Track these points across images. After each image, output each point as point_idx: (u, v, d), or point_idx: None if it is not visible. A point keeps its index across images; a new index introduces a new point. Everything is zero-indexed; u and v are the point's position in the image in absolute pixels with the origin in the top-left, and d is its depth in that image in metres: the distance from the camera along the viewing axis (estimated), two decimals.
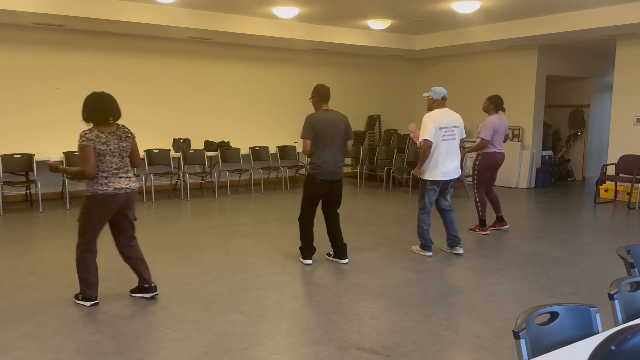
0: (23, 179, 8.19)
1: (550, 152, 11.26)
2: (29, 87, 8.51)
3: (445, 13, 8.63)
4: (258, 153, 10.35)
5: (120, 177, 4.00)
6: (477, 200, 6.60)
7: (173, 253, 5.64)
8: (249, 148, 10.26)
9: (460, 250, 5.66)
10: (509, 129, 8.27)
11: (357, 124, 12.13)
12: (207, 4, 8.09)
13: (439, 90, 5.49)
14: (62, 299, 4.23)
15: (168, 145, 9.58)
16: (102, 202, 3.94)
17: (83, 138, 3.85)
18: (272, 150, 10.55)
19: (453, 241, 5.66)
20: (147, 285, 4.27)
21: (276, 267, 5.16)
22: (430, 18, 9.12)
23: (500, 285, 4.71)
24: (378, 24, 9.43)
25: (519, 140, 10.73)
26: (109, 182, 3.94)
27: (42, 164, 8.26)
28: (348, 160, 11.38)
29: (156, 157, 9.22)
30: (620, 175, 8.97)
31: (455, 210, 7.97)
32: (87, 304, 4.11)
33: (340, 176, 5.19)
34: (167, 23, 8.25)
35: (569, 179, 11.83)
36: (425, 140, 5.34)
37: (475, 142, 6.69)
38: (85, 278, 4.10)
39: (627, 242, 6.29)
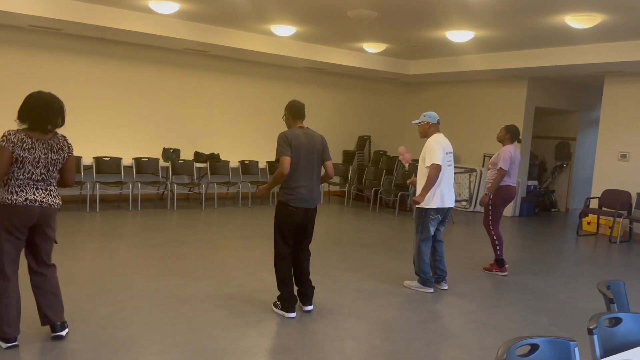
0: None
1: (535, 182, 11.42)
2: (20, 89, 8.44)
3: (440, 41, 8.78)
4: (247, 167, 10.36)
5: (37, 189, 3.37)
6: (495, 238, 6.04)
7: (156, 264, 5.61)
8: (239, 161, 10.27)
9: (446, 287, 5.38)
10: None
11: (348, 144, 12.22)
12: (206, 17, 8.16)
13: (434, 115, 5.26)
14: None
15: (157, 154, 9.56)
16: (8, 213, 3.30)
17: (4, 137, 3.27)
18: (262, 165, 10.57)
19: (440, 276, 5.38)
20: (52, 327, 3.58)
21: (260, 283, 5.15)
22: (424, 45, 9.27)
23: (481, 313, 4.74)
24: (373, 48, 9.56)
25: None
26: (22, 191, 3.32)
27: None
28: (336, 179, 11.41)
29: (144, 166, 9.19)
30: (603, 209, 9.12)
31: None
32: (3, 345, 3.36)
33: (316, 204, 4.37)
34: (164, 34, 8.30)
35: (552, 210, 11.98)
36: (435, 164, 5.00)
37: (465, 169, 6.72)
38: (2, 314, 3.36)
39: (608, 276, 6.37)
